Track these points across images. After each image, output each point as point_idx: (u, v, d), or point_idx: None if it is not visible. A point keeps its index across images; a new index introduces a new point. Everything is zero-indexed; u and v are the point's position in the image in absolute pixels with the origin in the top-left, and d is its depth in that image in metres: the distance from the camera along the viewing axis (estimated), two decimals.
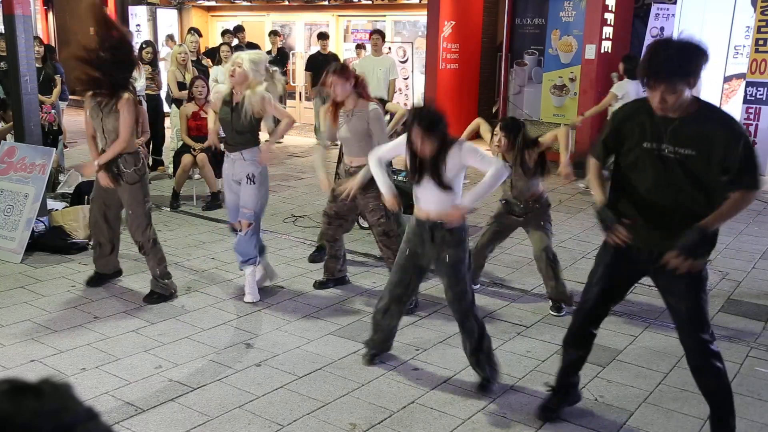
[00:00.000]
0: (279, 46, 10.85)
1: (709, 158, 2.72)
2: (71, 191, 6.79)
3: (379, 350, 3.91)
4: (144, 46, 8.84)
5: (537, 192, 4.67)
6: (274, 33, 11.10)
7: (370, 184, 4.50)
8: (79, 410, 0.79)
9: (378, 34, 9.25)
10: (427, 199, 3.53)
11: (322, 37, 10.52)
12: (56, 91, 8.84)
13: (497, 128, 4.61)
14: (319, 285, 5.01)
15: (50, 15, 16.70)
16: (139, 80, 8.27)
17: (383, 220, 4.60)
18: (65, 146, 8.41)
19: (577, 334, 3.24)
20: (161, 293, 4.68)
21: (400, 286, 3.69)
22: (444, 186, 3.41)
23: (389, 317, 3.77)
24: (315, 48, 11.96)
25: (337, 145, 5.29)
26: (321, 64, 10.19)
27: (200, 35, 9.68)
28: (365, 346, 3.95)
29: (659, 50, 2.67)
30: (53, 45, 11.84)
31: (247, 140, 4.62)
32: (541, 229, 4.65)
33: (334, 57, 10.63)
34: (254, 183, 4.62)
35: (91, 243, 5.24)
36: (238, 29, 10.84)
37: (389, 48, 10.58)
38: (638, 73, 2.74)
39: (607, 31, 9.58)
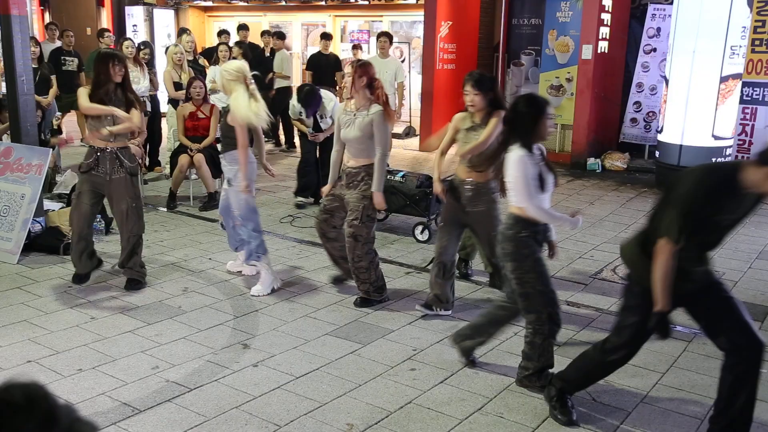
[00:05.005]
0: (271, 46, 10.85)
1: None
2: (68, 192, 6.78)
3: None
4: (142, 47, 8.82)
5: (490, 173, 4.37)
6: (266, 33, 11.11)
7: (355, 182, 4.55)
8: (61, 417, 0.78)
9: (385, 37, 9.20)
10: None
11: (325, 37, 10.53)
12: (52, 91, 8.83)
13: (467, 86, 4.29)
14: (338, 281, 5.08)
15: (47, 15, 16.67)
16: (143, 81, 8.26)
17: (356, 222, 4.53)
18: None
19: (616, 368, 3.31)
20: (140, 279, 4.92)
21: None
22: None
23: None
24: (313, 48, 11.96)
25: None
26: (322, 64, 10.20)
27: (189, 33, 9.65)
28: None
29: None
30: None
31: (227, 143, 4.91)
32: (487, 242, 4.44)
33: (335, 57, 10.61)
34: (231, 185, 4.92)
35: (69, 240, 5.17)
36: (242, 27, 10.84)
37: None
38: None
39: (604, 31, 9.59)
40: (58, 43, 10.01)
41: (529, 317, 3.49)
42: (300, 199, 7.39)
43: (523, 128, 3.35)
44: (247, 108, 4.67)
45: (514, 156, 3.34)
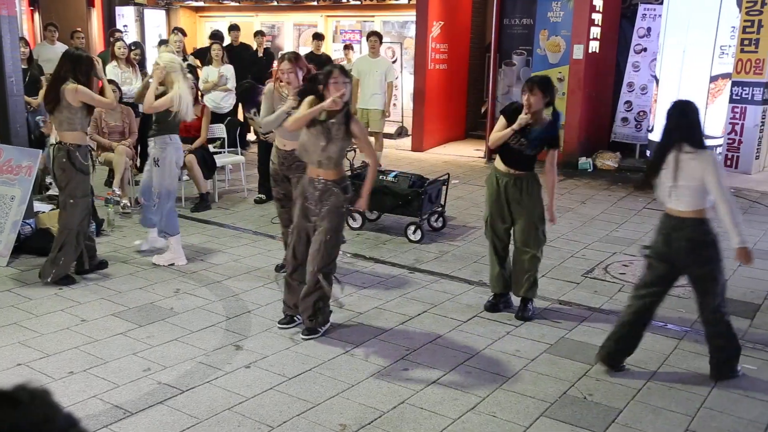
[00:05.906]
0: (265, 46, 10.81)
1: None
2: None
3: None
4: (133, 47, 8.78)
5: (341, 169, 4.18)
6: (260, 33, 11.07)
7: (297, 163, 4.74)
8: (59, 419, 0.77)
9: (375, 36, 9.20)
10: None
11: (317, 37, 10.50)
12: (42, 92, 8.76)
13: (337, 75, 4.04)
14: (281, 268, 5.26)
15: (36, 15, 16.58)
16: (135, 82, 8.22)
17: None
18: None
19: None
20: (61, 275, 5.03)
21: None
22: None
23: None
24: (304, 48, 11.94)
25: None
26: (314, 65, 10.15)
27: (184, 34, 9.61)
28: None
29: None
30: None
31: (159, 130, 5.39)
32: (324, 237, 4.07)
33: (327, 58, 10.59)
34: (157, 166, 5.35)
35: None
36: (233, 28, 10.80)
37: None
38: None
39: (595, 31, 9.63)
40: (58, 45, 9.94)
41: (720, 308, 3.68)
42: (260, 195, 7.55)
43: (700, 131, 3.66)
44: (173, 96, 5.21)
45: (711, 157, 3.56)
